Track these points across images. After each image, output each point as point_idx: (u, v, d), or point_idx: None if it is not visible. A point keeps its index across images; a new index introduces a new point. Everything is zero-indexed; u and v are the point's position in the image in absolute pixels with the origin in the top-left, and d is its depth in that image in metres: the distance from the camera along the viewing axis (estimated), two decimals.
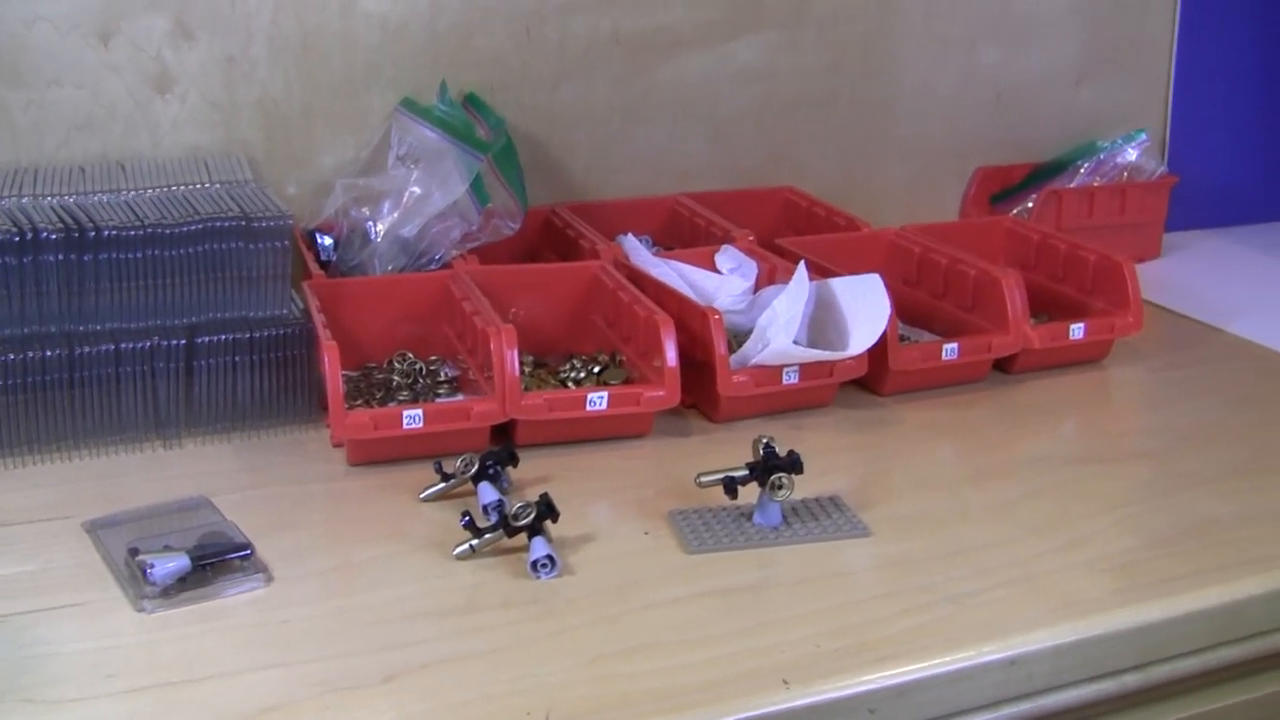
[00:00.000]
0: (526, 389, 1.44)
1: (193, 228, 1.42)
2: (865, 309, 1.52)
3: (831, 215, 1.89)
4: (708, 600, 1.16)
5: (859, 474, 1.41)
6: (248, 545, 1.19)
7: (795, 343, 1.48)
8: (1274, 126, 2.39)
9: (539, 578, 1.18)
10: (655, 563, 1.22)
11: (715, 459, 1.32)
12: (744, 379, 1.47)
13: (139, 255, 1.40)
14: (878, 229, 1.84)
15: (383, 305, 1.58)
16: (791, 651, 1.07)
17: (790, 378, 1.49)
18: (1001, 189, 2.18)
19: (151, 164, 1.65)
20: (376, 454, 1.39)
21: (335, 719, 0.99)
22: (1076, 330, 1.65)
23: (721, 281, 1.64)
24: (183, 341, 1.43)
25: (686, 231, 1.87)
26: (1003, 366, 1.65)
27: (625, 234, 1.76)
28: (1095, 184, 2.14)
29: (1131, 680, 1.16)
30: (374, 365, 1.57)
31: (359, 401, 1.48)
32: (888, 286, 1.54)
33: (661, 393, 1.43)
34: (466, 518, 1.21)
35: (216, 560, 1.17)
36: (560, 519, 1.21)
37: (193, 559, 1.15)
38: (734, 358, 1.47)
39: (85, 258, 1.39)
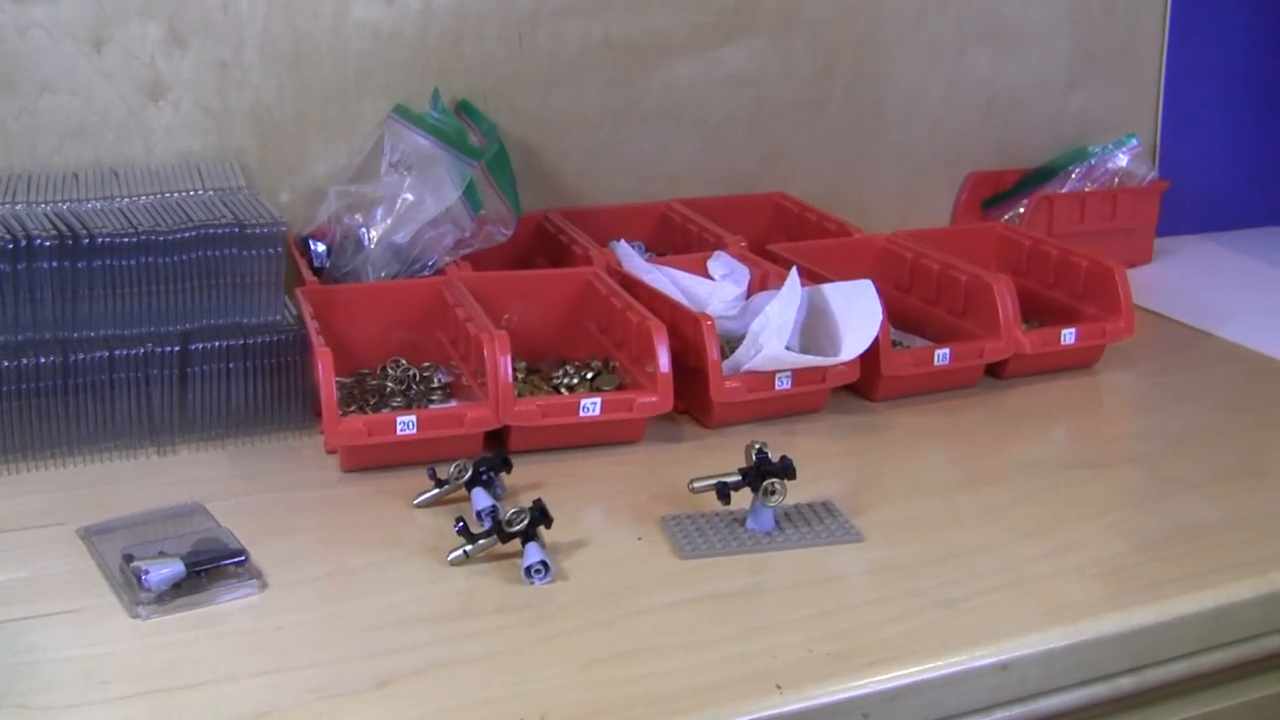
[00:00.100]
0: (520, 395, 1.44)
1: (186, 234, 1.42)
2: (857, 314, 1.52)
3: (823, 221, 1.89)
4: (701, 605, 1.16)
5: (851, 479, 1.41)
6: (242, 551, 1.19)
7: (788, 348, 1.48)
8: (1264, 131, 2.39)
9: (533, 583, 1.18)
10: (648, 568, 1.22)
11: (708, 464, 1.32)
12: (736, 385, 1.47)
13: (133, 262, 1.41)
14: (869, 235, 1.84)
15: (376, 311, 1.58)
16: (784, 656, 1.08)
17: (783, 383, 1.49)
18: (993, 194, 2.19)
19: (145, 171, 1.65)
20: (370, 460, 1.39)
21: None
22: (1068, 335, 1.65)
23: (714, 287, 1.64)
24: (177, 348, 1.43)
25: (678, 237, 1.87)
26: (994, 372, 1.66)
27: (618, 240, 1.76)
28: (1086, 189, 2.15)
29: (1124, 684, 1.17)
30: (368, 371, 1.57)
31: (353, 408, 1.48)
32: (880, 292, 1.54)
33: (654, 398, 1.43)
34: (460, 523, 1.22)
35: (211, 566, 1.17)
36: (554, 524, 1.22)
37: (187, 565, 1.15)
38: (726, 363, 1.48)
39: (79, 265, 1.39)
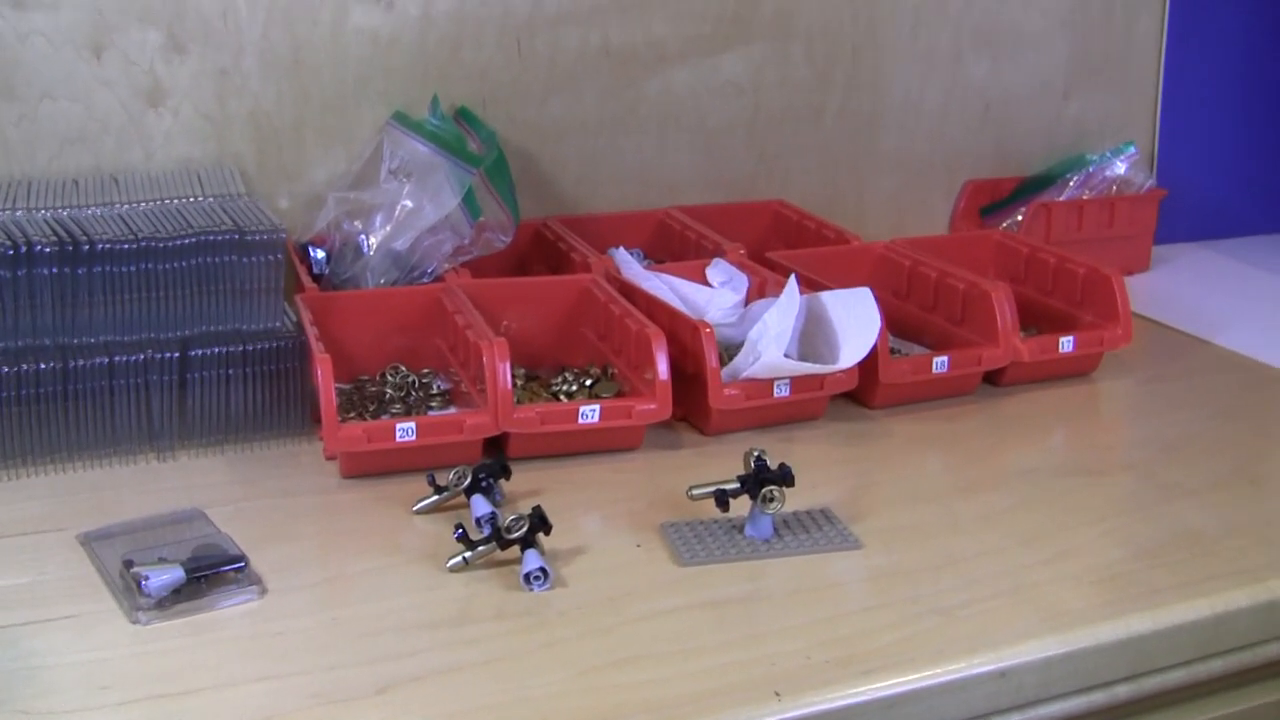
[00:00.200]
0: (519, 402, 1.44)
1: (186, 241, 1.42)
2: (856, 322, 1.53)
3: (821, 228, 1.89)
4: (699, 612, 1.16)
5: (849, 486, 1.42)
6: (242, 557, 1.19)
7: (786, 356, 1.48)
8: (1262, 139, 2.40)
9: (532, 590, 1.18)
10: (647, 575, 1.22)
11: (706, 472, 1.33)
12: (735, 392, 1.48)
13: (132, 268, 1.41)
14: (867, 242, 1.84)
15: (375, 318, 1.59)
16: (783, 663, 1.08)
17: (781, 391, 1.50)
18: (991, 202, 2.19)
19: (144, 177, 1.65)
20: (370, 467, 1.39)
21: None
22: (1066, 343, 1.66)
23: (712, 295, 1.64)
24: (176, 354, 1.43)
25: (677, 244, 1.88)
26: (992, 379, 1.66)
27: (616, 247, 1.76)
28: (1084, 197, 2.15)
29: (1122, 691, 1.17)
30: (367, 378, 1.57)
31: (352, 414, 1.49)
32: (878, 299, 1.55)
33: (653, 406, 1.43)
34: (459, 530, 1.22)
35: (211, 572, 1.17)
36: (553, 531, 1.22)
37: (187, 571, 1.15)
38: (725, 371, 1.48)
39: (79, 271, 1.39)
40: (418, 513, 1.33)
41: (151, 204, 1.55)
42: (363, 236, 1.64)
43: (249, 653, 1.09)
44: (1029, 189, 2.18)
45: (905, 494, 1.39)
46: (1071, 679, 1.14)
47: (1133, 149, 2.20)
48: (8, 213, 1.49)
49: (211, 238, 1.43)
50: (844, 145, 2.11)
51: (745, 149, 2.04)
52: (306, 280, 1.62)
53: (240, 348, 1.45)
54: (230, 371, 1.45)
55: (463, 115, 1.82)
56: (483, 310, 1.52)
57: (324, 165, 1.78)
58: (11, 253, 1.37)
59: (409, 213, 1.63)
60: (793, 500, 1.28)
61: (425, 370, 1.59)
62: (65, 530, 1.27)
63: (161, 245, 1.42)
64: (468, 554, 1.21)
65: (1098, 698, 1.16)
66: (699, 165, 2.01)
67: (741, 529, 1.28)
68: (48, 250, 1.38)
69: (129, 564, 1.17)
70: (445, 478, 1.33)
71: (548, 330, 1.62)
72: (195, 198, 1.58)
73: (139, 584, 1.14)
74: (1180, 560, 1.26)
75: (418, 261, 1.64)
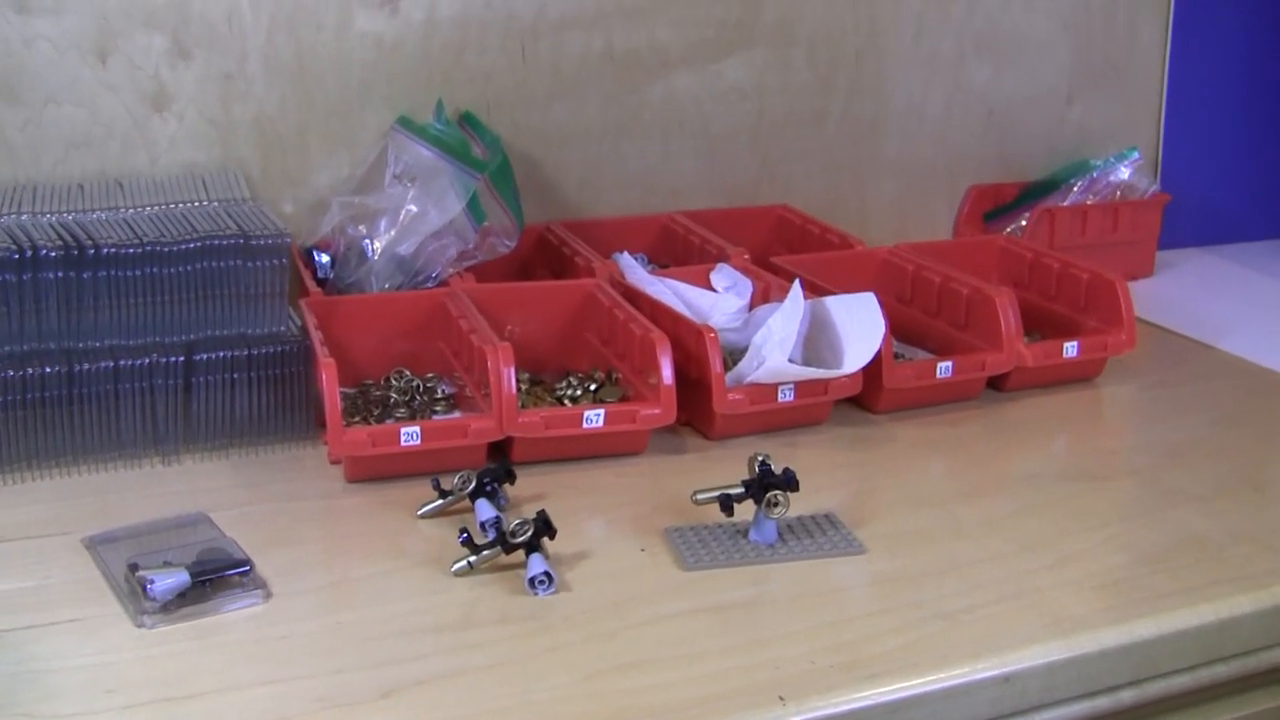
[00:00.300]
0: (523, 406, 1.45)
1: (191, 245, 1.43)
2: (860, 327, 1.53)
3: (825, 233, 1.89)
4: (704, 616, 1.16)
5: (853, 491, 1.42)
6: (247, 561, 1.19)
7: (790, 361, 1.48)
8: (1266, 144, 2.40)
9: (536, 594, 1.18)
10: (651, 579, 1.22)
11: (710, 476, 1.33)
12: (739, 397, 1.48)
13: (137, 273, 1.41)
14: (871, 247, 1.84)
15: (380, 323, 1.59)
16: (787, 668, 1.08)
17: (785, 395, 1.50)
18: (994, 207, 2.19)
19: (149, 182, 1.66)
20: (374, 471, 1.40)
21: None
22: (1070, 349, 1.66)
23: (716, 299, 1.64)
24: (181, 358, 1.43)
25: (680, 249, 1.88)
26: (996, 384, 1.66)
27: (620, 252, 1.76)
28: (1088, 202, 2.15)
29: (1125, 696, 1.17)
30: (371, 382, 1.57)
31: (356, 418, 1.49)
32: (882, 304, 1.55)
33: (658, 410, 1.43)
34: (464, 534, 1.22)
35: (216, 576, 1.17)
36: (557, 535, 1.22)
37: (192, 575, 1.15)
38: (729, 376, 1.48)
39: (84, 275, 1.39)
40: (422, 517, 1.33)
41: (156, 208, 1.55)
42: (367, 241, 1.64)
43: (254, 656, 1.09)
44: (1033, 194, 2.18)
45: (909, 499, 1.39)
46: (1075, 684, 1.14)
47: (1136, 154, 2.20)
48: (13, 217, 1.49)
49: (216, 242, 1.44)
50: (847, 150, 2.11)
51: (749, 154, 2.04)
52: (311, 285, 1.62)
53: (245, 352, 1.45)
54: (235, 376, 1.45)
55: (467, 120, 1.82)
56: (487, 315, 1.52)
57: (328, 170, 1.78)
58: (17, 257, 1.37)
59: (413, 217, 1.63)
60: (797, 505, 1.28)
61: (429, 375, 1.59)
62: (70, 534, 1.27)
63: (166, 249, 1.42)
64: (472, 558, 1.21)
65: (1101, 703, 1.16)
66: (702, 170, 2.02)
67: (746, 534, 1.28)
68: (53, 254, 1.38)
69: (134, 568, 1.17)
70: (450, 482, 1.33)
71: (552, 335, 1.62)
72: (200, 202, 1.58)
73: (144, 588, 1.14)
74: (1184, 565, 1.26)
75: (422, 266, 1.64)
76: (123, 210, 1.54)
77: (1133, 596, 1.20)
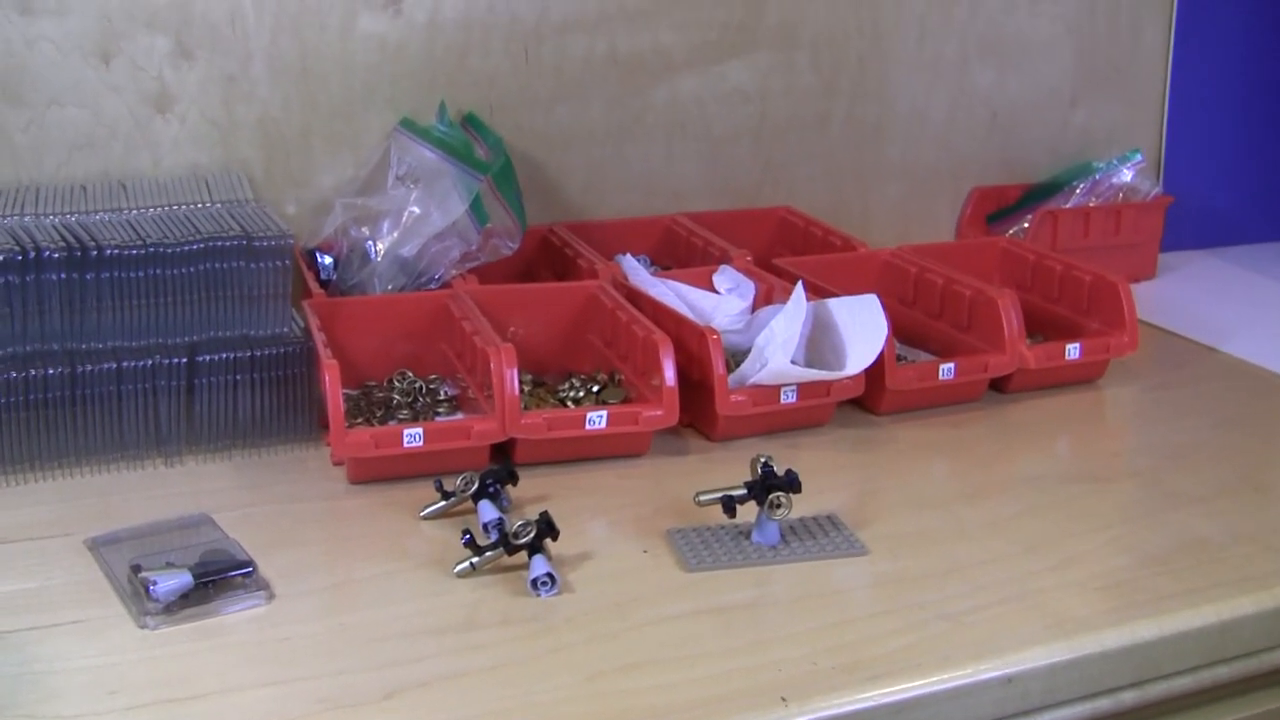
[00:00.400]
0: (526, 408, 1.45)
1: (194, 247, 1.43)
2: (862, 329, 1.53)
3: (828, 235, 1.89)
4: (706, 618, 1.16)
5: (856, 492, 1.42)
6: (250, 562, 1.20)
7: (793, 362, 1.48)
8: (1269, 147, 2.40)
9: (539, 595, 1.18)
10: (654, 580, 1.22)
11: (713, 478, 1.33)
12: (742, 398, 1.48)
13: (140, 274, 1.41)
14: (874, 249, 1.84)
15: (382, 324, 1.59)
16: (789, 669, 1.08)
17: (788, 397, 1.50)
18: (997, 209, 2.19)
19: (152, 183, 1.66)
20: (377, 472, 1.40)
21: None
22: (1073, 350, 1.66)
23: (719, 301, 1.64)
24: (184, 360, 1.43)
25: (683, 251, 1.88)
26: (998, 386, 1.66)
27: (623, 254, 1.76)
28: (1090, 204, 2.15)
29: (1127, 698, 1.17)
30: (374, 384, 1.57)
31: (359, 420, 1.49)
32: (884, 306, 1.55)
33: (660, 412, 1.43)
34: (467, 535, 1.22)
35: (219, 577, 1.17)
36: (559, 537, 1.22)
37: (195, 576, 1.16)
38: (732, 377, 1.48)
39: (87, 276, 1.39)
40: (425, 518, 1.33)
41: (159, 209, 1.55)
42: (370, 243, 1.64)
43: (256, 658, 1.09)
44: (1035, 196, 2.18)
45: (911, 500, 1.39)
46: (1077, 685, 1.14)
47: (1139, 156, 2.20)
48: (16, 218, 1.49)
49: (219, 243, 1.44)
50: (850, 153, 2.11)
51: (751, 157, 2.04)
52: (314, 286, 1.62)
53: (248, 353, 1.45)
54: (238, 377, 1.45)
55: (470, 122, 1.82)
56: (490, 316, 1.52)
57: (331, 171, 1.78)
58: (20, 258, 1.37)
59: (416, 219, 1.63)
60: (799, 506, 1.28)
61: (432, 376, 1.59)
62: (73, 535, 1.28)
63: (169, 250, 1.42)
64: (475, 559, 1.21)
65: (1104, 704, 1.16)
66: (705, 173, 2.02)
67: (748, 535, 1.28)
68: (56, 255, 1.38)
69: (136, 569, 1.17)
70: (452, 483, 1.33)
71: (554, 336, 1.62)
72: (203, 203, 1.58)
73: (147, 589, 1.14)
74: (1186, 567, 1.26)
75: (425, 267, 1.64)
76: (126, 211, 1.54)
77: (1135, 598, 1.20)
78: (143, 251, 1.41)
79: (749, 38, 1.99)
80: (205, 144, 1.72)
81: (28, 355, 1.39)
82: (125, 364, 1.41)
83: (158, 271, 1.42)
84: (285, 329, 1.48)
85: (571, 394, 1.54)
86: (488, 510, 1.30)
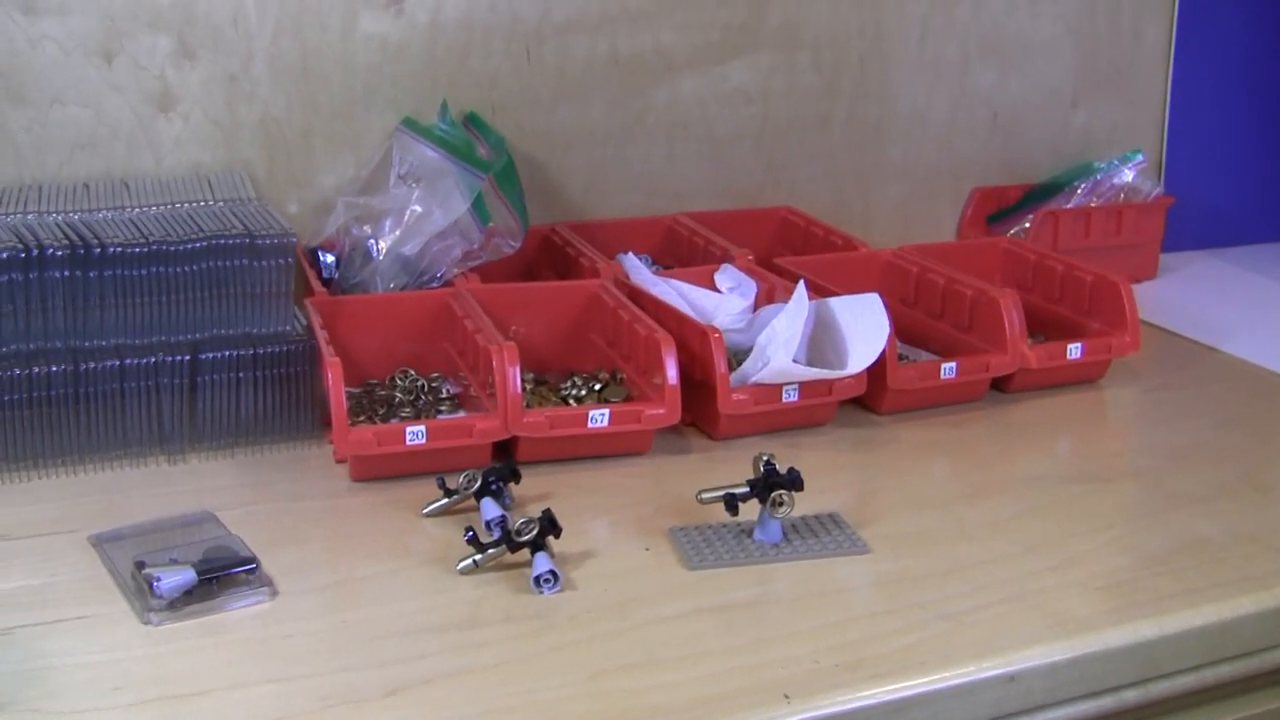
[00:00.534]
0: (528, 406, 1.45)
1: (197, 245, 1.43)
2: (864, 328, 1.53)
3: (829, 235, 1.89)
4: (708, 616, 1.16)
5: (857, 491, 1.42)
6: (253, 559, 1.20)
7: (795, 361, 1.48)
8: (1270, 147, 2.40)
9: (541, 593, 1.18)
10: (656, 579, 1.22)
11: (714, 476, 1.33)
12: (744, 397, 1.48)
13: (143, 272, 1.41)
14: (875, 249, 1.84)
15: (384, 323, 1.59)
16: (792, 667, 1.08)
17: (790, 396, 1.50)
18: (998, 209, 2.19)
19: (154, 182, 1.66)
20: (379, 470, 1.40)
21: None
22: (1074, 350, 1.66)
23: (721, 300, 1.65)
24: (187, 358, 1.43)
25: (685, 251, 1.88)
26: (1000, 386, 1.66)
27: (625, 253, 1.76)
28: (1092, 205, 2.15)
29: (1129, 697, 1.17)
30: (376, 382, 1.58)
31: (362, 418, 1.49)
32: (886, 305, 1.55)
33: (662, 410, 1.44)
34: (470, 533, 1.22)
35: (222, 574, 1.17)
36: (562, 535, 1.22)
37: (198, 573, 1.16)
38: (734, 376, 1.48)
39: (90, 274, 1.40)
40: (427, 516, 1.33)
41: (162, 208, 1.55)
42: (372, 241, 1.64)
43: (259, 654, 1.10)
44: (1036, 196, 2.18)
45: (913, 499, 1.39)
46: (1079, 684, 1.14)
47: (1140, 157, 2.21)
48: (19, 216, 1.49)
49: (222, 241, 1.44)
50: (851, 154, 2.11)
51: (753, 158, 2.04)
52: (316, 285, 1.62)
53: (250, 351, 1.45)
54: (240, 375, 1.45)
55: (472, 121, 1.82)
56: (492, 315, 1.52)
57: (333, 171, 1.78)
58: (23, 256, 1.37)
59: (418, 218, 1.64)
60: (801, 505, 1.28)
61: (434, 374, 1.59)
62: (76, 532, 1.28)
63: (172, 249, 1.42)
64: (478, 557, 1.21)
65: (1105, 703, 1.16)
66: (706, 174, 2.02)
67: (750, 533, 1.28)
68: (59, 253, 1.38)
69: (140, 565, 1.17)
70: (455, 481, 1.33)
71: (556, 335, 1.63)
72: (205, 202, 1.58)
73: (150, 585, 1.14)
74: (1187, 567, 1.26)
75: (427, 266, 1.64)
76: (128, 210, 1.54)
77: (1136, 597, 1.20)
78: (146, 249, 1.41)
79: (750, 38, 1.99)
80: (207, 144, 1.72)
81: (31, 353, 1.39)
82: (128, 362, 1.41)
83: (160, 269, 1.42)
84: (288, 327, 1.48)
85: (573, 392, 1.55)
86: (490, 508, 1.30)
